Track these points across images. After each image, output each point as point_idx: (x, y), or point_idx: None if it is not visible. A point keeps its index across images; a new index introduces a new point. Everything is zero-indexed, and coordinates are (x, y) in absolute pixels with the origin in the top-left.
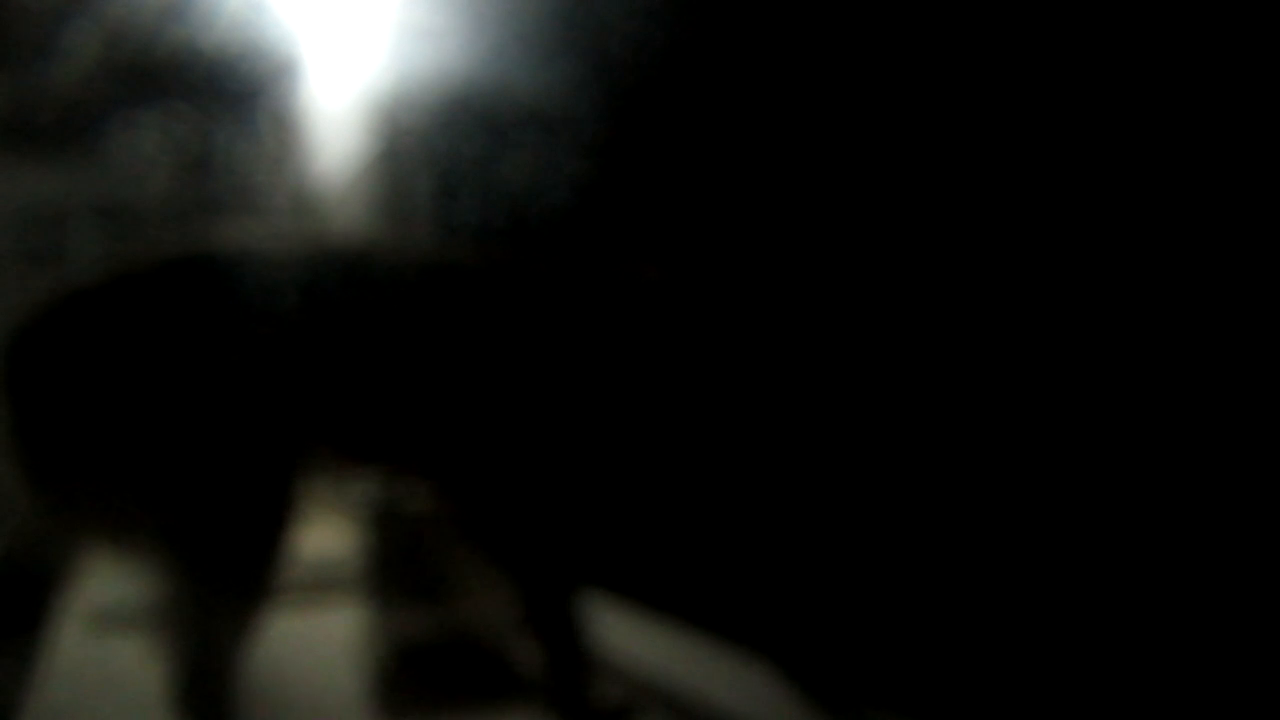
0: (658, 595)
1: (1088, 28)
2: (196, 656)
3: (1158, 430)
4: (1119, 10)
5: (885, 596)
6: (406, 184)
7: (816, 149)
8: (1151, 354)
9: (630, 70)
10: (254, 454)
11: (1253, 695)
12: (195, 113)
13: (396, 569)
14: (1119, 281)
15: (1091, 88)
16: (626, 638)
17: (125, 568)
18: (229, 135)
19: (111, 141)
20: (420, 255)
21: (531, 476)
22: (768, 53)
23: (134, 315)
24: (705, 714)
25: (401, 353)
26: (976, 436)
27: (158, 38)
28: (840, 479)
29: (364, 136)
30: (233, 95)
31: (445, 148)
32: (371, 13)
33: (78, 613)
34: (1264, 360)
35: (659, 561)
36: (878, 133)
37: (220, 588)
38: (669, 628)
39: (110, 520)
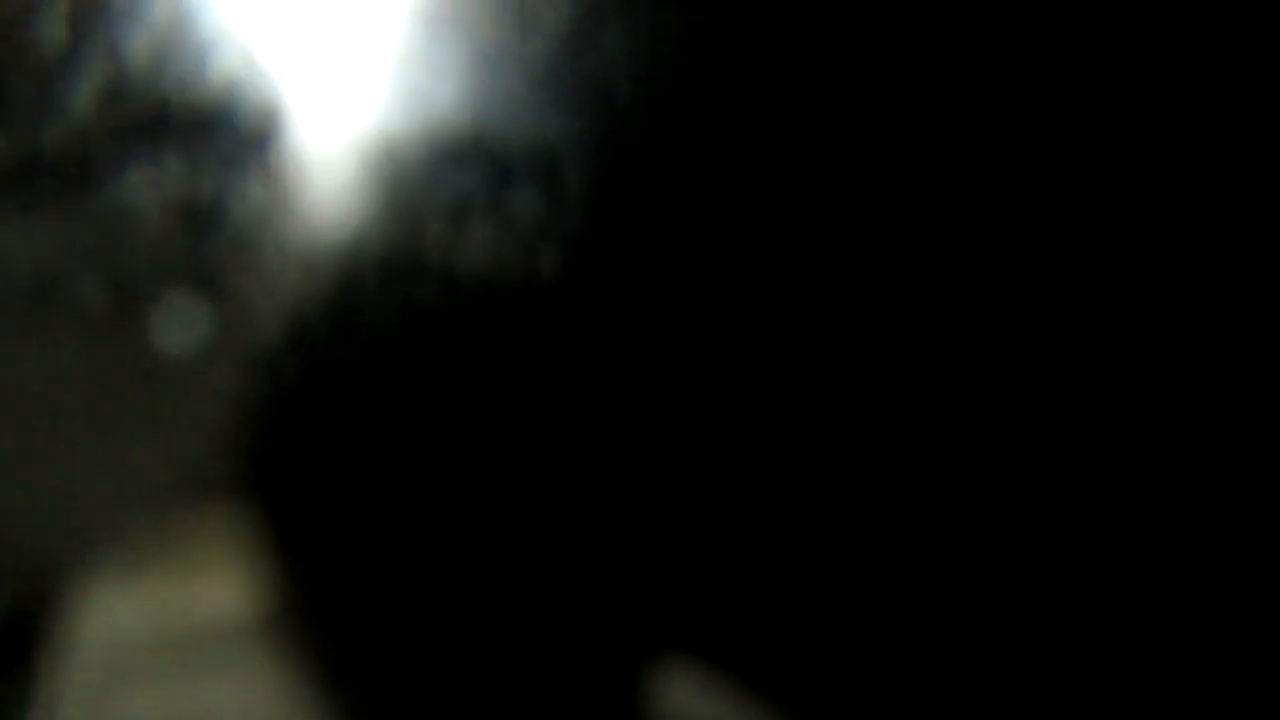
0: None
1: (1088, 27)
2: None
3: (1157, 431)
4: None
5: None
6: (409, 231)
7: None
8: (1151, 354)
9: (633, 107)
10: None
11: (1253, 695)
12: (192, 162)
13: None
14: (1119, 282)
15: (1092, 88)
16: None
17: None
18: (227, 184)
19: (108, 193)
20: None
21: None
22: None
23: None
24: None
25: None
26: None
27: (153, 88)
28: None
29: (364, 181)
30: (230, 143)
31: (449, 194)
32: (370, 57)
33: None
34: (1264, 360)
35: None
36: (875, 147)
37: None
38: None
39: None
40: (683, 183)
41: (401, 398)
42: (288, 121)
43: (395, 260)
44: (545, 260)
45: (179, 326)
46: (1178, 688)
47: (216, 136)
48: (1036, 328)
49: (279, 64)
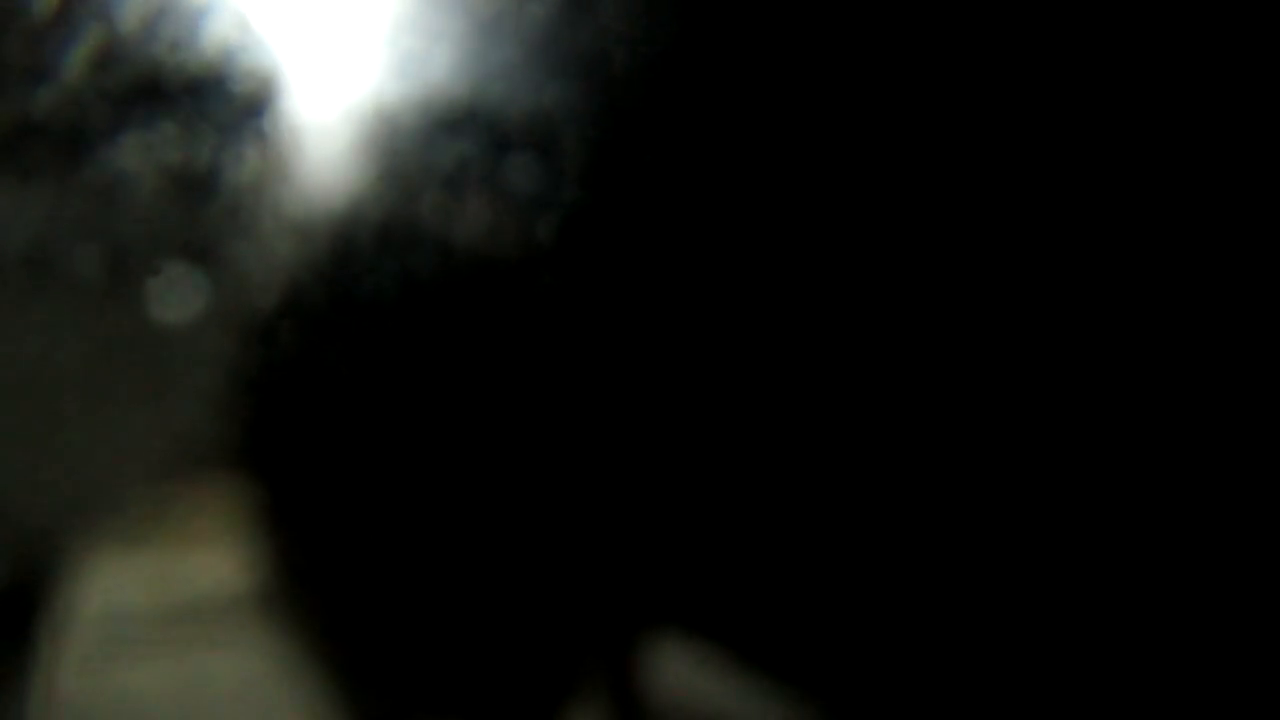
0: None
1: (1088, 27)
2: None
3: (1157, 430)
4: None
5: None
6: (403, 199)
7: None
8: (1151, 354)
9: (629, 77)
10: None
11: (1253, 695)
12: (187, 129)
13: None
14: (1119, 282)
15: (1092, 88)
16: None
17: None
18: (222, 151)
19: (102, 160)
20: None
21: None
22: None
23: None
24: None
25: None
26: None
27: (147, 54)
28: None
29: (359, 149)
30: (225, 109)
31: (444, 162)
32: (366, 24)
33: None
34: (1264, 360)
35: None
36: (868, 133)
37: None
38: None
39: None
40: (679, 153)
41: (397, 368)
42: (283, 88)
43: (391, 229)
44: (541, 229)
45: (174, 296)
46: (1177, 688)
47: (211, 103)
48: (1036, 328)
49: (274, 30)
